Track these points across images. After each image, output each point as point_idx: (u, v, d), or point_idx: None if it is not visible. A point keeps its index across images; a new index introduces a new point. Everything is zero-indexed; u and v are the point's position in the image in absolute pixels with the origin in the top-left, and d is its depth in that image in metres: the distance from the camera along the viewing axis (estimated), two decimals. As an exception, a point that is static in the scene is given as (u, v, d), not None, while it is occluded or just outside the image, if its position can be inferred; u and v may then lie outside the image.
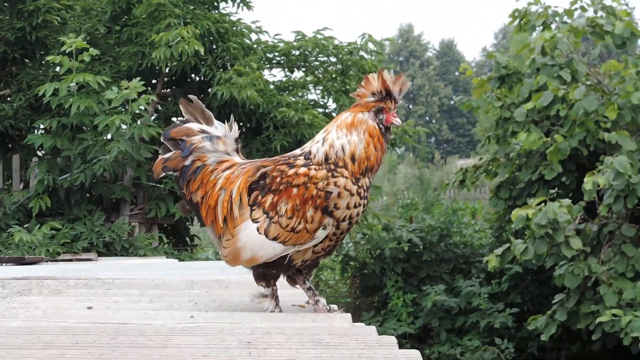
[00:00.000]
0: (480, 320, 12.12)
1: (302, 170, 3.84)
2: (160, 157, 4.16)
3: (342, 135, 3.89)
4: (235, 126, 4.25)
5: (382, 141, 3.91)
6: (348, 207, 3.80)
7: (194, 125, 4.20)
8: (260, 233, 3.86)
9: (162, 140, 4.20)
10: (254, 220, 3.89)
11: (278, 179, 3.87)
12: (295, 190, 3.82)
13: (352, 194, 3.80)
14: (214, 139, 4.16)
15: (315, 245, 3.87)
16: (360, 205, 3.83)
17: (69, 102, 10.53)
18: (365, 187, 3.86)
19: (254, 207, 3.91)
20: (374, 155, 3.88)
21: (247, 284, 4.98)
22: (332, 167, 3.83)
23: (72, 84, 10.56)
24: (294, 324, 3.72)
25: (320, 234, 3.82)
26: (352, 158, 3.84)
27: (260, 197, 3.90)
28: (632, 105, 8.48)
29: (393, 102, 3.96)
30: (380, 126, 3.92)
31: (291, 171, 3.86)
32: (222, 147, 4.16)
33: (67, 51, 10.62)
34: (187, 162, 4.11)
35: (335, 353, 3.09)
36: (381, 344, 3.24)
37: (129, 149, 10.47)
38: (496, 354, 11.67)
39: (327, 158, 3.85)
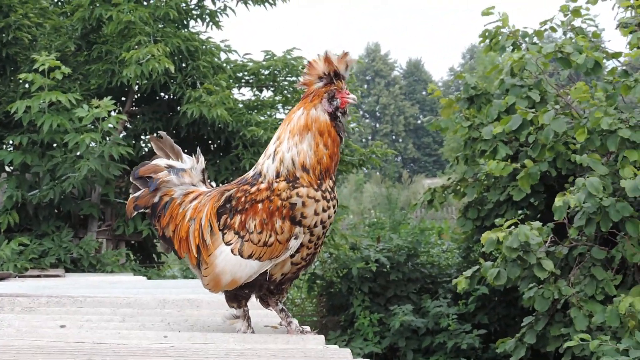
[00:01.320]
0: (447, 341, 12.15)
1: (264, 185, 3.89)
2: (131, 196, 4.23)
3: (292, 145, 3.92)
4: (201, 158, 4.34)
5: (333, 135, 3.93)
6: (316, 214, 3.84)
7: (161, 161, 4.26)
8: (235, 254, 3.90)
9: (131, 179, 4.25)
10: (227, 243, 3.93)
11: (243, 199, 3.92)
12: (260, 205, 3.86)
13: (317, 200, 3.84)
14: (180, 172, 4.24)
15: (293, 256, 3.90)
16: (329, 208, 3.88)
17: (41, 120, 10.49)
18: (329, 189, 3.90)
19: (225, 231, 3.95)
20: (326, 154, 3.90)
21: (218, 303, 5.01)
22: (291, 178, 3.87)
23: (43, 102, 10.52)
24: (267, 345, 3.74)
25: (293, 243, 3.86)
26: (304, 168, 3.87)
27: (229, 219, 3.95)
28: (602, 130, 8.55)
29: (342, 80, 4.04)
30: (337, 113, 3.97)
31: (253, 189, 3.92)
32: (188, 179, 4.24)
33: (39, 69, 10.60)
34: (156, 199, 4.19)
35: (312, 375, 3.11)
36: (357, 366, 3.27)
37: (98, 167, 10.46)
38: (461, 375, 11.72)
39: (278, 175, 3.90)
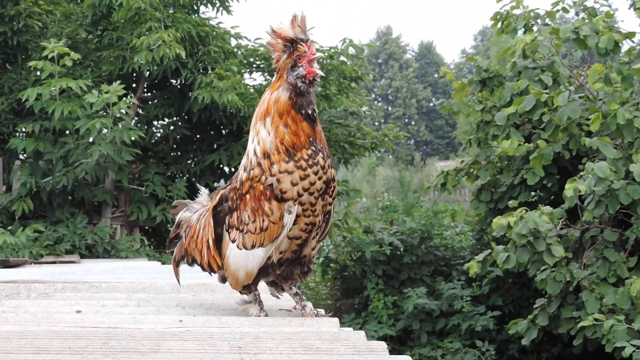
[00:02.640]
0: (461, 323, 12.16)
1: (244, 177, 3.92)
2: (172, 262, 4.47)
3: (254, 135, 3.93)
4: (203, 189, 4.44)
5: (293, 114, 3.85)
6: (294, 184, 3.82)
7: (179, 215, 4.43)
8: (240, 249, 3.97)
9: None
10: (232, 241, 4.00)
11: (234, 197, 3.99)
12: (248, 196, 3.91)
13: (289, 172, 3.82)
14: (191, 205, 4.39)
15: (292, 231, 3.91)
16: (307, 175, 3.83)
17: (52, 107, 10.53)
18: (305, 157, 3.84)
19: (229, 230, 4.03)
20: (288, 133, 3.85)
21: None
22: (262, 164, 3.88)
23: (53, 89, 10.55)
24: (282, 328, 3.75)
25: (288, 218, 3.86)
26: (266, 155, 3.86)
27: (229, 219, 4.02)
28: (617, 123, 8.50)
29: (304, 44, 3.87)
30: (299, 85, 3.86)
31: (239, 184, 3.95)
32: (198, 206, 4.36)
33: (49, 56, 10.63)
34: (181, 234, 4.40)
35: (327, 359, 3.12)
36: (371, 349, 3.27)
37: (110, 152, 10.49)
38: (477, 357, 11.72)
39: (245, 169, 3.94)
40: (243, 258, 3.96)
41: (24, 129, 11.59)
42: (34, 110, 10.79)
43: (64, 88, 10.58)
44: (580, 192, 8.09)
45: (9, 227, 10.78)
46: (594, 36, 9.25)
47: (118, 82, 10.70)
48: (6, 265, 8.17)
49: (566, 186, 8.21)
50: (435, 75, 69.74)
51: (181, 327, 3.76)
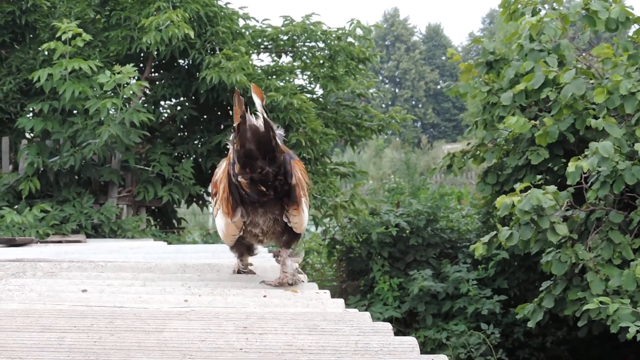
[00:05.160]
0: (467, 306, 12.18)
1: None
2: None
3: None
4: None
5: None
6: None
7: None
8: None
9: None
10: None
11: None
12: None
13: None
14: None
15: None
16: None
17: (63, 87, 10.53)
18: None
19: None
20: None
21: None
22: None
23: (64, 70, 10.56)
24: (288, 309, 3.76)
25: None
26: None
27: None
28: (621, 95, 8.48)
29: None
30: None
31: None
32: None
33: (62, 37, 10.62)
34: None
35: (331, 339, 3.12)
36: (376, 330, 3.27)
37: (119, 134, 10.50)
38: (482, 339, 11.75)
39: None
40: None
41: (31, 109, 11.60)
42: (45, 90, 10.80)
43: (75, 69, 10.59)
44: (583, 170, 8.09)
45: (16, 206, 10.81)
46: (604, 12, 9.21)
47: (131, 64, 10.70)
48: (12, 244, 8.18)
49: (569, 163, 8.21)
50: (443, 58, 69.56)
51: (187, 307, 3.77)
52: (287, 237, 4.32)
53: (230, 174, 4.04)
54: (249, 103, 3.95)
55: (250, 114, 3.93)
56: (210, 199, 4.74)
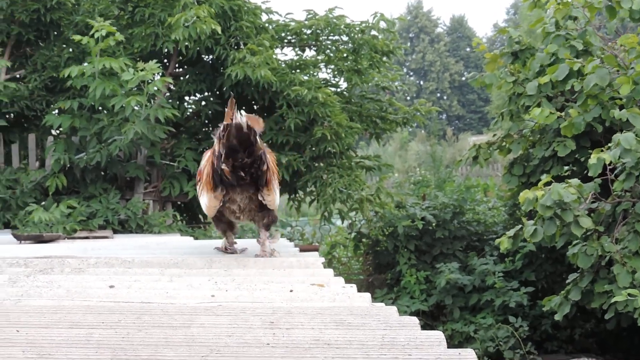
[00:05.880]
0: (495, 299, 12.13)
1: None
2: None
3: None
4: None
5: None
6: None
7: None
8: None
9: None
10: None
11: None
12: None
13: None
14: None
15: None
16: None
17: (93, 85, 10.57)
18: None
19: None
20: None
21: (265, 262, 5.07)
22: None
23: (94, 68, 10.60)
24: (314, 304, 3.77)
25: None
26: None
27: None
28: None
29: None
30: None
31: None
32: None
33: (95, 35, 10.65)
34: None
35: (358, 334, 3.12)
36: (403, 324, 3.27)
37: (144, 130, 10.53)
38: (510, 332, 11.71)
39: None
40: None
41: (61, 107, 11.65)
42: (74, 87, 10.85)
43: (107, 68, 10.63)
44: (605, 162, 8.03)
45: (43, 203, 10.86)
46: (627, 1, 9.13)
47: (154, 60, 10.71)
48: (40, 240, 8.23)
49: (592, 155, 8.15)
50: (467, 49, 69.34)
51: (213, 302, 3.78)
52: (266, 220, 5.41)
53: (214, 163, 5.03)
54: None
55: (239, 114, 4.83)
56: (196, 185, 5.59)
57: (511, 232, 9.22)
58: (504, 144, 11.51)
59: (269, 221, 5.44)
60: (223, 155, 4.94)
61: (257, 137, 4.91)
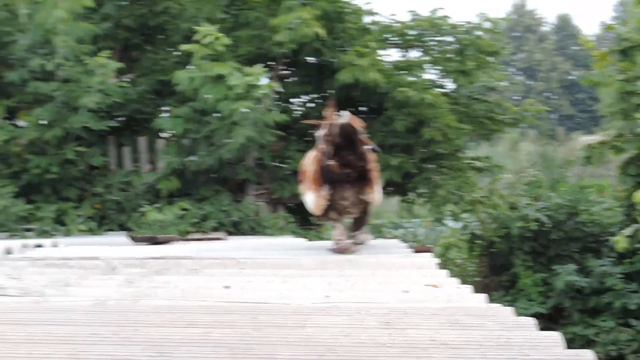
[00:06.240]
0: (615, 301, 11.85)
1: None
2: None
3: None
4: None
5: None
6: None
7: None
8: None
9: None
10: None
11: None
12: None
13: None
14: None
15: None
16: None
17: (204, 91, 10.68)
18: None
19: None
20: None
21: (377, 264, 5.03)
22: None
23: (202, 73, 10.73)
24: (429, 304, 3.72)
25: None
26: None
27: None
28: None
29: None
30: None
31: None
32: None
33: (201, 40, 10.77)
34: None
35: (474, 334, 3.07)
36: (519, 325, 3.21)
37: (254, 135, 10.60)
38: (632, 336, 11.43)
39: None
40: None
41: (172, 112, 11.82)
42: (185, 93, 10.97)
43: (217, 73, 10.73)
44: None
45: (156, 205, 11.03)
46: None
47: (262, 65, 10.78)
48: (154, 242, 8.36)
49: None
50: (574, 48, 68.13)
51: (328, 302, 3.77)
52: (365, 217, 5.74)
53: (320, 160, 5.34)
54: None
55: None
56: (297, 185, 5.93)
57: (628, 231, 9.00)
58: (617, 143, 11.25)
59: (366, 220, 5.81)
60: (329, 152, 5.25)
61: (360, 135, 5.21)
